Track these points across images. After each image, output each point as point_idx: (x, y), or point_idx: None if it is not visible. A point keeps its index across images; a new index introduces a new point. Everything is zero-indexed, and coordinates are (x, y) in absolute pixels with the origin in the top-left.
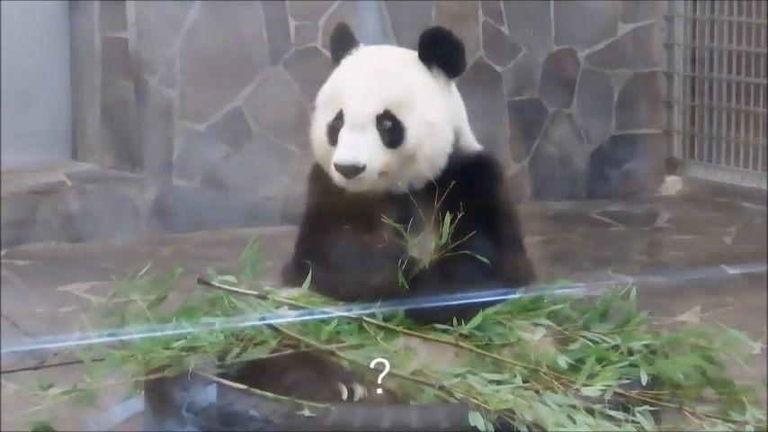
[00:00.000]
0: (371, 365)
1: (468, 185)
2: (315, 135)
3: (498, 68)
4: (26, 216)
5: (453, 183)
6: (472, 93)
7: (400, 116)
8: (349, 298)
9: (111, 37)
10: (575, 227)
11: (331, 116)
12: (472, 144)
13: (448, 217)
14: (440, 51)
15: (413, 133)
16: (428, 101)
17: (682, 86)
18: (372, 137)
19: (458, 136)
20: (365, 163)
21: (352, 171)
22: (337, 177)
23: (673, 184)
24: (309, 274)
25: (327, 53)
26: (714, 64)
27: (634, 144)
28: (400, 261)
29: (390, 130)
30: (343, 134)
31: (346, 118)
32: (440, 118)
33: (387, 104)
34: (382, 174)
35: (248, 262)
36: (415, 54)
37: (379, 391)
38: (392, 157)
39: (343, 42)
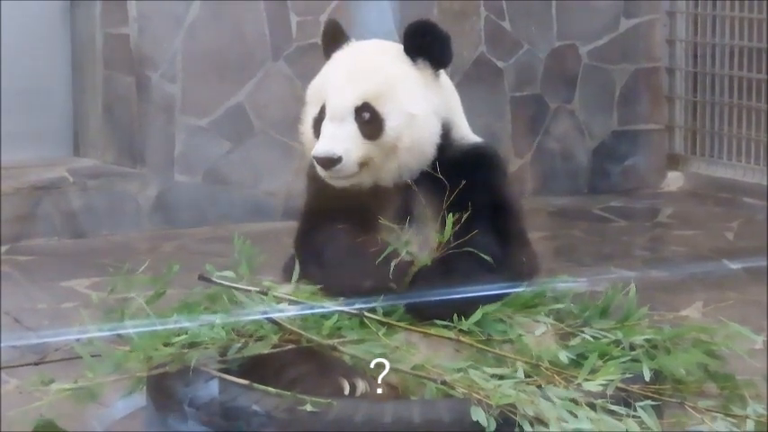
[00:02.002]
0: (371, 366)
1: (466, 177)
2: (303, 129)
3: (500, 64)
4: (28, 212)
5: (452, 175)
6: (474, 88)
7: (379, 108)
8: (342, 296)
9: (112, 33)
10: (576, 222)
11: (316, 110)
12: (468, 136)
13: (451, 217)
14: (425, 43)
15: (392, 125)
16: (409, 92)
17: (683, 82)
18: (351, 129)
19: (448, 128)
20: (341, 154)
21: (328, 163)
22: (318, 169)
23: (674, 180)
24: (297, 268)
25: None
26: (716, 59)
27: (636, 140)
28: (393, 263)
29: (369, 121)
30: (323, 127)
31: (327, 111)
32: (422, 109)
33: (365, 96)
34: (363, 165)
35: (243, 258)
36: (401, 47)
37: (381, 386)
38: (371, 148)
39: (333, 38)
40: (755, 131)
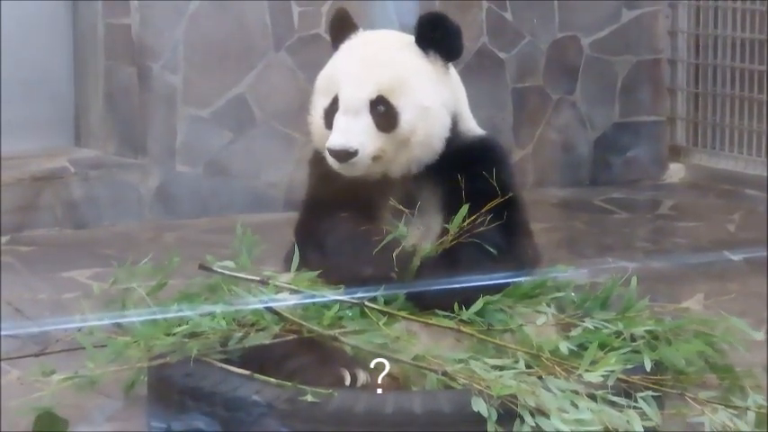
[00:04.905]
0: (371, 366)
1: (470, 169)
2: (313, 120)
3: (502, 55)
4: (29, 202)
5: (455, 167)
6: (476, 79)
7: (394, 101)
8: (343, 285)
9: (114, 23)
10: (578, 214)
11: (328, 101)
12: (473, 129)
13: (465, 208)
14: (436, 35)
15: (406, 118)
16: (422, 85)
17: (685, 73)
18: (365, 122)
19: (456, 120)
20: (357, 148)
21: (344, 156)
22: (331, 161)
23: (676, 172)
24: (296, 256)
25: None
26: (718, 51)
27: (637, 131)
28: (396, 253)
29: (384, 114)
30: (337, 119)
31: (340, 103)
32: (434, 102)
33: (380, 89)
34: (376, 158)
35: (244, 248)
36: (413, 39)
37: (382, 376)
38: (386, 141)
39: (342, 27)
40: (757, 123)
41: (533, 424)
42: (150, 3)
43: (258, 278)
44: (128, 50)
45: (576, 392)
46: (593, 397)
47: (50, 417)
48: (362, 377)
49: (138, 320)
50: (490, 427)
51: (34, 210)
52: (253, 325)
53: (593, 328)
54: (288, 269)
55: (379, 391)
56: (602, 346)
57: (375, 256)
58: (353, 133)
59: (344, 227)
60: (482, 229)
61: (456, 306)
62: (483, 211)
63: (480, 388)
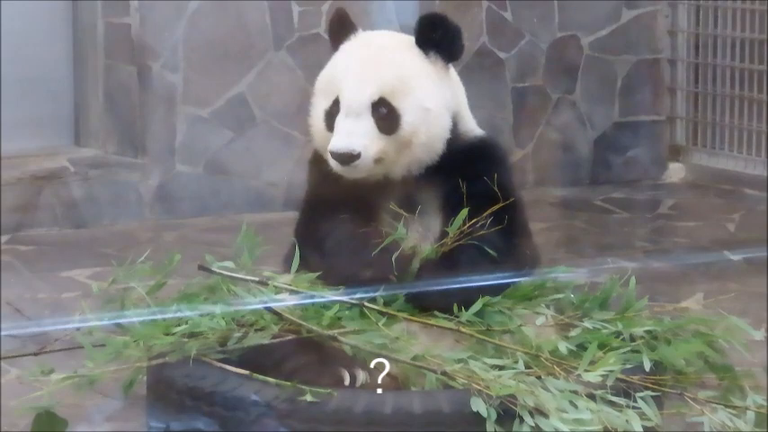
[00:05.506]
0: (371, 366)
1: (470, 170)
2: (313, 121)
3: (502, 55)
4: (29, 201)
5: (455, 168)
6: (476, 79)
7: (395, 103)
8: (342, 286)
9: (114, 22)
10: (578, 213)
11: (328, 102)
12: (473, 129)
13: (465, 211)
14: (436, 36)
15: (408, 120)
16: (424, 87)
17: (685, 73)
18: (367, 124)
19: (456, 121)
20: (360, 150)
21: (347, 158)
22: (333, 164)
23: (676, 171)
24: (296, 257)
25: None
26: (718, 50)
27: (637, 131)
28: (395, 255)
29: (386, 116)
30: (339, 121)
31: (342, 105)
32: (436, 104)
33: (382, 91)
34: (378, 160)
35: (245, 247)
36: (413, 39)
37: (381, 376)
38: (388, 143)
39: (341, 28)
40: (757, 123)
41: (532, 424)
42: (150, 2)
43: (257, 278)
44: (127, 50)
45: (576, 392)
46: (592, 397)
47: (49, 416)
48: (362, 377)
49: (137, 320)
50: (489, 426)
51: (34, 209)
52: (252, 325)
53: (592, 328)
54: (288, 270)
55: (379, 390)
56: (601, 346)
57: (375, 258)
58: (356, 136)
59: (344, 228)
60: (482, 231)
61: (455, 307)
62: (484, 215)
63: (479, 388)
